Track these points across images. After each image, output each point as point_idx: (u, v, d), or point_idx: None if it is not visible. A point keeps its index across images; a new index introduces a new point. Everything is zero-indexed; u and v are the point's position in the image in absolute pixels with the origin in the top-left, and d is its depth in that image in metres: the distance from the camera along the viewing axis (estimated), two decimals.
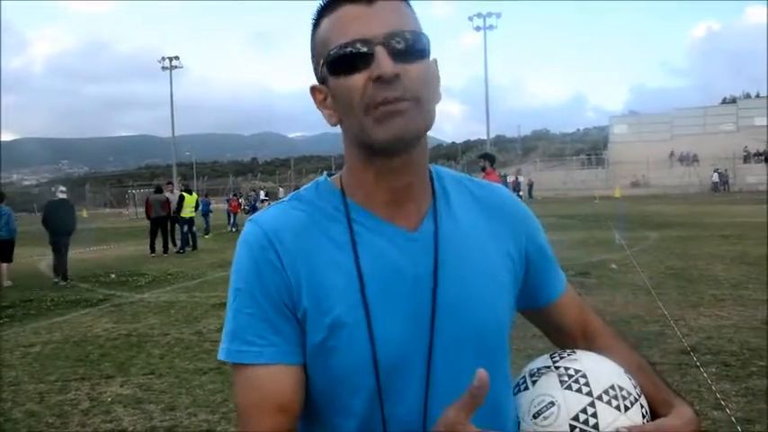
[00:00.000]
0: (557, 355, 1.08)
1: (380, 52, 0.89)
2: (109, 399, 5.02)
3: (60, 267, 11.94)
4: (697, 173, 47.85)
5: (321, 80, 0.98)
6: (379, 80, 0.89)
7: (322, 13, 0.96)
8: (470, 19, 45.31)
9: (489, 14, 45.27)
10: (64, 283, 11.62)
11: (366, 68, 0.90)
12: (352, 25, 0.91)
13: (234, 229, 23.87)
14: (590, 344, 1.15)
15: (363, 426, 0.97)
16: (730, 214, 21.55)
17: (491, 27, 45.19)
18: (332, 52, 0.92)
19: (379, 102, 0.89)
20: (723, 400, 4.33)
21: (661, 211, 24.66)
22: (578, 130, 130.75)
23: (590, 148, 76.11)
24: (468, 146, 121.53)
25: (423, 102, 0.92)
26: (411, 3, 0.99)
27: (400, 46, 0.90)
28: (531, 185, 46.62)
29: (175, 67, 51.74)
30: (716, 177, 45.19)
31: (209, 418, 4.51)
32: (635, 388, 1.02)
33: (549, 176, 54.45)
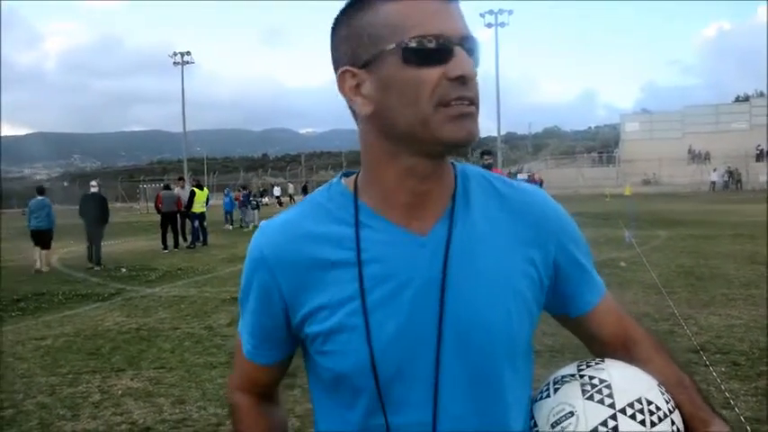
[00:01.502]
0: (584, 363, 1.03)
1: (460, 52, 0.89)
2: (119, 392, 5.07)
3: (95, 255, 13.37)
4: (709, 171, 47.48)
5: (364, 64, 0.93)
6: (458, 80, 0.88)
7: None
8: (482, 15, 45.05)
9: (501, 11, 44.90)
10: (98, 269, 12.89)
11: (441, 65, 0.88)
12: (434, 19, 0.89)
13: (244, 226, 23.87)
14: (629, 354, 1.08)
15: (366, 422, 0.97)
16: (742, 213, 21.37)
17: (502, 24, 44.93)
18: (410, 41, 0.88)
19: (454, 98, 0.89)
20: (732, 399, 4.33)
21: (672, 210, 24.52)
22: (590, 127, 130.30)
23: (601, 145, 75.65)
24: (478, 143, 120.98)
25: (478, 109, 0.92)
26: None
27: (471, 50, 0.91)
28: (540, 183, 46.31)
29: (187, 62, 51.63)
30: (715, 176, 44.64)
31: (218, 411, 4.55)
32: (667, 403, 0.96)
33: (560, 174, 54.14)
